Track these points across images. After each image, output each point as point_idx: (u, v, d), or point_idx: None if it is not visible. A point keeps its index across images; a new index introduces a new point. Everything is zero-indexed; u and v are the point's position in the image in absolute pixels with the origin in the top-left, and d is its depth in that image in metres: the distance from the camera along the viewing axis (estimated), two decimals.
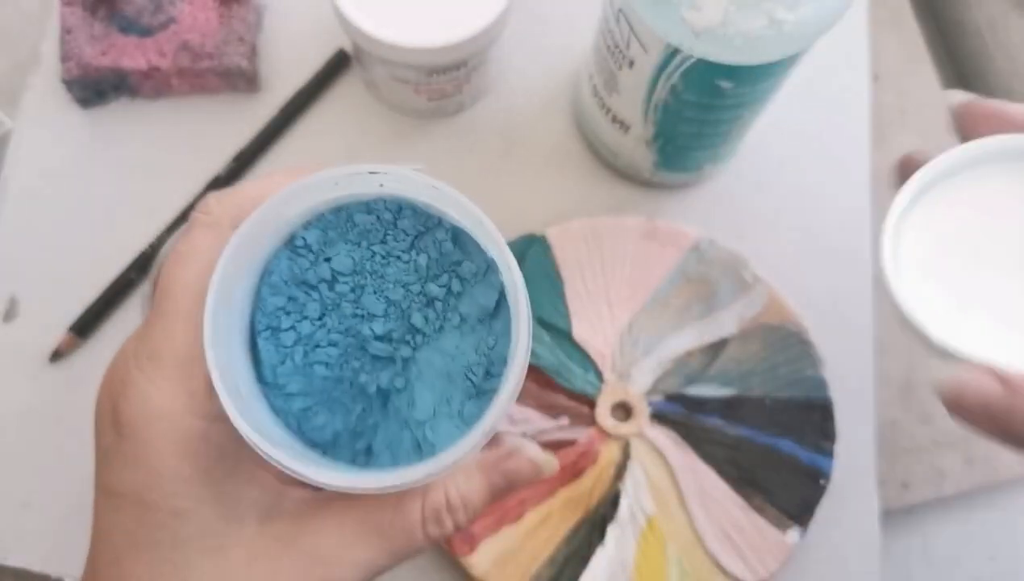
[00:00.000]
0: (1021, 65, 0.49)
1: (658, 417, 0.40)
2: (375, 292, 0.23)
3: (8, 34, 0.46)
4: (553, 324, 0.40)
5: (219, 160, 0.43)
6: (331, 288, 0.23)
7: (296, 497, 0.24)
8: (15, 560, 0.38)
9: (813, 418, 0.40)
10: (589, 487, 0.38)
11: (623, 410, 0.40)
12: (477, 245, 0.23)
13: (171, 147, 0.44)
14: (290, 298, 0.23)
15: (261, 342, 0.23)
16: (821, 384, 0.40)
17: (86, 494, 0.39)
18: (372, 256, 0.23)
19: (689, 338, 0.41)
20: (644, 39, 0.34)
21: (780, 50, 0.32)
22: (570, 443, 0.39)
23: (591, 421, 0.39)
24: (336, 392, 0.23)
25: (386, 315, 0.23)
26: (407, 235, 0.23)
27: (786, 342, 0.41)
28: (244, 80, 0.44)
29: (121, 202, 0.43)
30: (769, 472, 0.39)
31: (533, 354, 0.40)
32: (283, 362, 0.23)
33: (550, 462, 0.26)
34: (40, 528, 0.39)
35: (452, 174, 0.44)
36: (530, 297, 0.42)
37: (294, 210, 0.23)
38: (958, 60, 0.52)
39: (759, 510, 0.38)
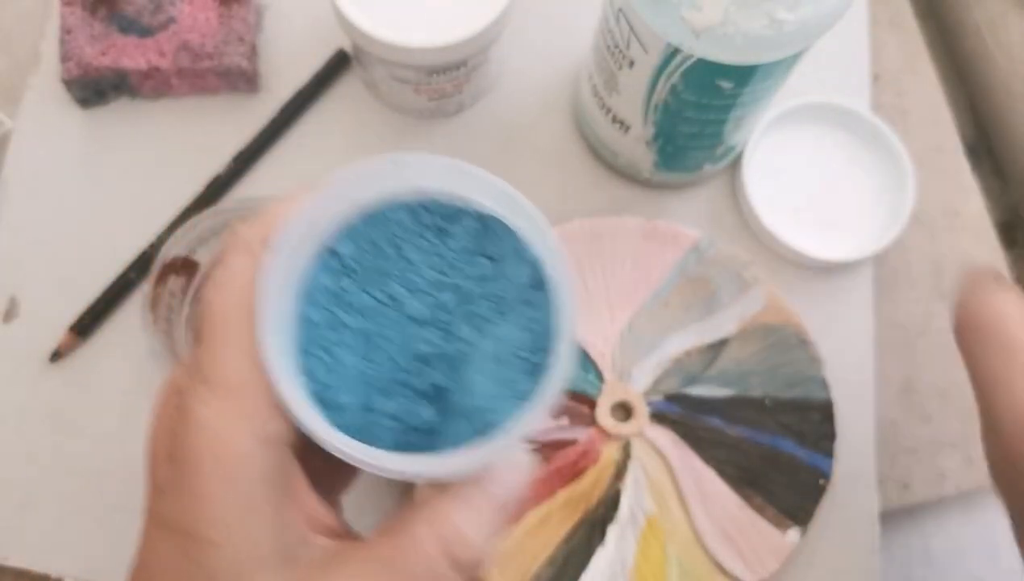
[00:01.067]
0: (1021, 65, 0.49)
1: (658, 417, 0.40)
2: (413, 293, 0.23)
3: (8, 34, 0.46)
4: None
5: (219, 160, 0.43)
6: (371, 298, 0.23)
7: (321, 544, 0.24)
8: (15, 560, 0.38)
9: (813, 418, 0.40)
10: (589, 487, 0.38)
11: (623, 410, 0.40)
12: (504, 225, 0.23)
13: (171, 147, 0.44)
14: (331, 313, 0.23)
15: (309, 360, 0.22)
16: (821, 384, 0.40)
17: (86, 494, 0.39)
18: (405, 257, 0.23)
19: (689, 338, 0.41)
20: (644, 39, 0.34)
21: (780, 50, 0.32)
22: (570, 443, 0.39)
23: (591, 421, 0.39)
24: (390, 400, 0.22)
25: (429, 312, 0.23)
26: (436, 229, 0.23)
27: (786, 342, 0.41)
28: (244, 80, 0.44)
29: (121, 202, 0.43)
30: (769, 472, 0.39)
31: None
32: (333, 377, 0.22)
33: (532, 462, 0.26)
34: (40, 528, 0.39)
35: None
36: None
37: (326, 218, 0.22)
38: (958, 60, 0.52)
39: (759, 510, 0.38)
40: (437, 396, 0.22)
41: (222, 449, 0.22)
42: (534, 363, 0.22)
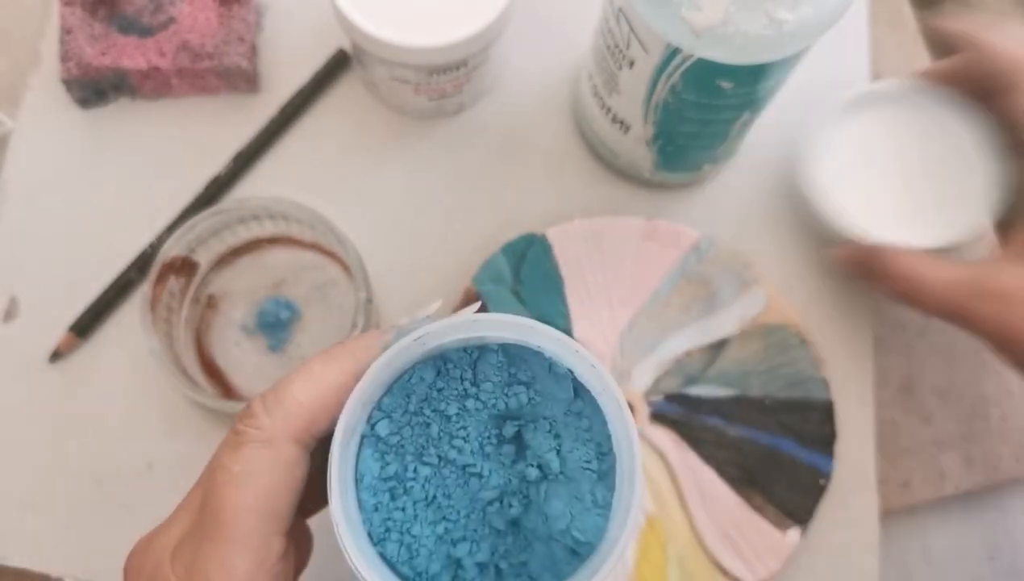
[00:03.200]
0: None
1: (658, 417, 0.40)
2: (463, 444, 0.23)
3: (8, 34, 0.46)
4: (553, 324, 0.40)
5: (219, 160, 0.43)
6: (424, 465, 0.23)
7: None
8: (15, 560, 0.38)
9: (813, 418, 0.40)
10: None
11: None
12: (527, 348, 0.23)
13: (171, 147, 0.44)
14: (390, 494, 0.22)
15: (387, 547, 0.22)
16: (821, 384, 0.40)
17: (86, 494, 0.39)
18: (443, 414, 0.23)
19: (689, 338, 0.41)
20: (644, 39, 0.34)
21: (780, 50, 0.32)
22: None
23: None
24: (478, 548, 0.22)
25: (484, 457, 0.23)
26: (461, 377, 0.23)
27: (786, 342, 0.41)
28: (244, 80, 0.44)
29: (121, 202, 0.43)
30: (769, 472, 0.39)
31: None
32: (416, 553, 0.22)
33: None
34: (40, 528, 0.39)
35: (452, 174, 0.44)
36: (530, 297, 0.42)
37: (358, 402, 0.22)
38: None
39: (759, 510, 0.38)
40: (513, 530, 0.22)
41: None
42: (600, 470, 0.22)
